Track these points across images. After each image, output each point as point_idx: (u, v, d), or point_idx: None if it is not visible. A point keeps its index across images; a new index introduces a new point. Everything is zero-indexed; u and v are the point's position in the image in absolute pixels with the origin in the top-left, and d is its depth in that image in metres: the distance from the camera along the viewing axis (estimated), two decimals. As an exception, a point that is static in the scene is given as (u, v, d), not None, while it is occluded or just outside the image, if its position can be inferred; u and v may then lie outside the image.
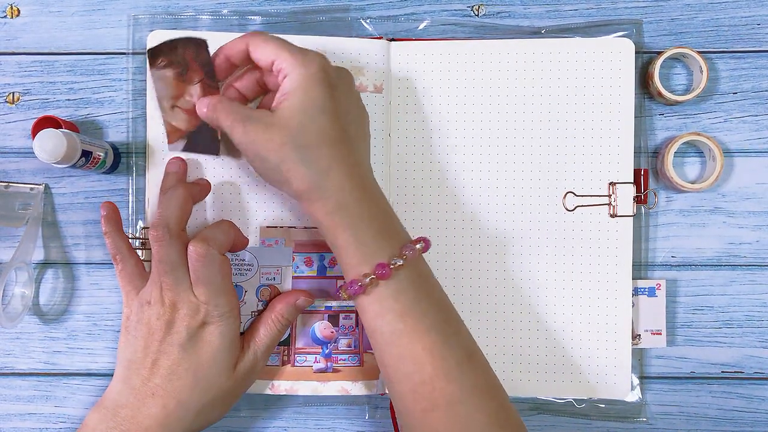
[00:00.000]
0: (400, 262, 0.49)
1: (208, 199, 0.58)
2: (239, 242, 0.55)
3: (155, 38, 0.58)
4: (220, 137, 0.58)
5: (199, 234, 0.52)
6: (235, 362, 0.53)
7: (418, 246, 0.50)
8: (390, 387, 0.51)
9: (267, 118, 0.50)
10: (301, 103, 0.50)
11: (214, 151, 0.58)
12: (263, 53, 0.52)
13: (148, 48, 0.57)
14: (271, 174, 0.51)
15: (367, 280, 0.49)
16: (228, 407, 0.54)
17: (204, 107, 0.53)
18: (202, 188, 0.56)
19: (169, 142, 0.58)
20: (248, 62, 0.54)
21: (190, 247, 0.51)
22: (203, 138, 0.58)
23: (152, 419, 0.50)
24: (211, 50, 0.55)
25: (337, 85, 0.51)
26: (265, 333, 0.55)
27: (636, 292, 0.59)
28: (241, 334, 0.55)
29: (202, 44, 0.56)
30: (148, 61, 0.56)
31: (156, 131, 0.58)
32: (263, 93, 0.57)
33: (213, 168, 0.58)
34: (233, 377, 0.53)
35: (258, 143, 0.50)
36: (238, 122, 0.50)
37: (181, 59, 0.56)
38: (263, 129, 0.50)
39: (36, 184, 0.61)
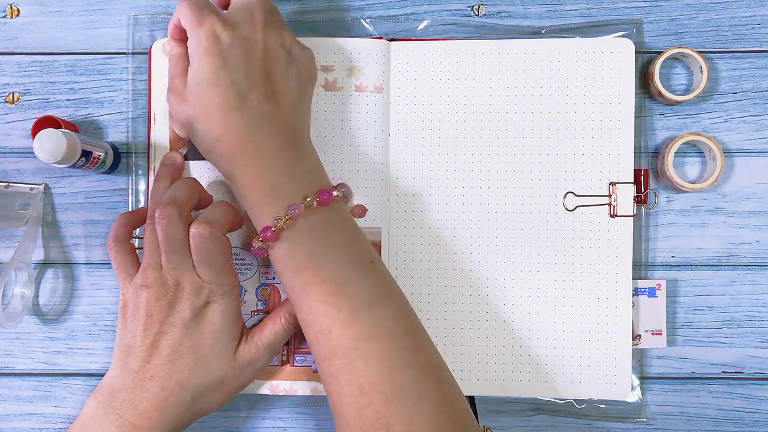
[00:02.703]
0: (281, 224, 0.49)
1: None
2: (236, 222, 0.55)
3: (159, 46, 0.59)
4: None
5: (200, 216, 0.52)
6: (236, 346, 0.53)
7: (306, 202, 0.50)
8: (305, 335, 0.52)
9: (181, 88, 0.53)
10: (196, 75, 0.52)
11: None
12: (181, 20, 0.53)
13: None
14: (192, 139, 0.55)
15: (257, 245, 0.51)
16: (225, 397, 0.54)
17: (166, 53, 0.56)
18: (205, 195, 0.57)
19: (171, 151, 0.58)
20: None
21: (193, 229, 0.51)
22: None
23: (149, 401, 0.51)
24: None
25: (229, 52, 0.51)
26: (271, 327, 0.55)
27: (636, 292, 0.59)
28: (249, 327, 0.55)
29: None
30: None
31: (161, 131, 0.58)
32: None
33: (213, 168, 0.58)
34: (233, 363, 0.53)
35: (173, 113, 0.54)
36: (168, 87, 0.55)
37: None
38: (177, 99, 0.53)
39: (36, 184, 0.61)
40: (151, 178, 0.58)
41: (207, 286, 0.52)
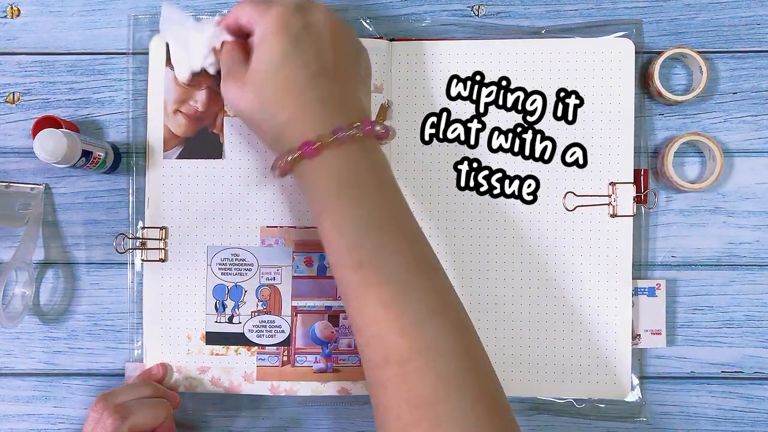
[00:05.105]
0: (325, 140, 0.47)
1: (210, 200, 0.58)
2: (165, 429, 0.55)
3: (158, 43, 0.59)
4: (222, 141, 0.58)
5: (120, 402, 0.53)
6: None
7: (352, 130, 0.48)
8: (355, 338, 0.49)
9: (241, 75, 0.51)
10: (264, 57, 0.50)
11: (216, 155, 0.58)
12: (243, 17, 0.52)
13: (166, 42, 0.58)
14: (251, 129, 0.52)
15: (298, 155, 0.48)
16: None
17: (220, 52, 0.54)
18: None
19: (164, 150, 0.58)
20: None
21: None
22: (205, 142, 0.58)
23: None
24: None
25: (300, 35, 0.50)
26: None
27: (636, 292, 0.59)
28: None
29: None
30: (166, 55, 0.57)
31: (157, 131, 0.58)
32: None
33: (213, 168, 0.58)
34: None
35: (233, 101, 0.51)
36: (223, 77, 0.52)
37: None
38: (238, 87, 0.51)
39: (36, 184, 0.61)
40: (150, 177, 0.58)
41: None
